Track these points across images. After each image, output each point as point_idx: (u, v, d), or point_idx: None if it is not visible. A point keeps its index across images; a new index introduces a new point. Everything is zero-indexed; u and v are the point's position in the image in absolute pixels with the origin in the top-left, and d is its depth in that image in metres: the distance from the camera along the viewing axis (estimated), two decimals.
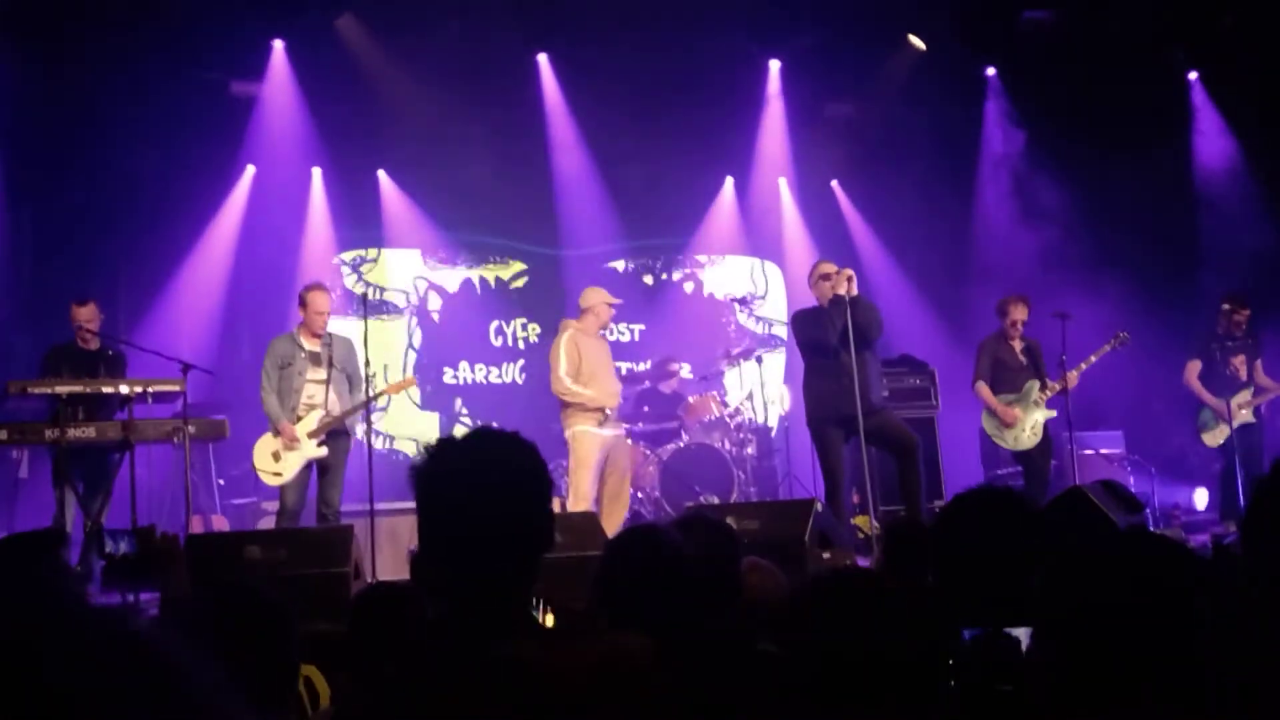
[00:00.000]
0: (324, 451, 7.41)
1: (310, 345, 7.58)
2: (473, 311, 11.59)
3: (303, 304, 7.66)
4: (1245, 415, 8.76)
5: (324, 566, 5.56)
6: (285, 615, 2.16)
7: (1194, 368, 8.95)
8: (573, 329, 8.10)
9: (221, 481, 9.57)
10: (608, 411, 7.97)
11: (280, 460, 7.39)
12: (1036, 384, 8.26)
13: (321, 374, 7.50)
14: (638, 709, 1.66)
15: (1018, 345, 8.43)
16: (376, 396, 7.69)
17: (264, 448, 7.50)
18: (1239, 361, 8.87)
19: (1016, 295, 8.54)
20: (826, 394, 7.21)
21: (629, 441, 8.47)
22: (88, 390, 7.18)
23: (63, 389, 7.05)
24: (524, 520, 1.79)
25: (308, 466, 7.44)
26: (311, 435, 7.40)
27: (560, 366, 7.93)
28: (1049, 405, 8.29)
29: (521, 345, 11.57)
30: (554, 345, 8.12)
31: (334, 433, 7.50)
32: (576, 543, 5.63)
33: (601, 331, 8.36)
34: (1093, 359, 8.29)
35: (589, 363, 7.98)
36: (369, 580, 6.24)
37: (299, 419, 7.43)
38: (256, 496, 9.34)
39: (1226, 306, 8.93)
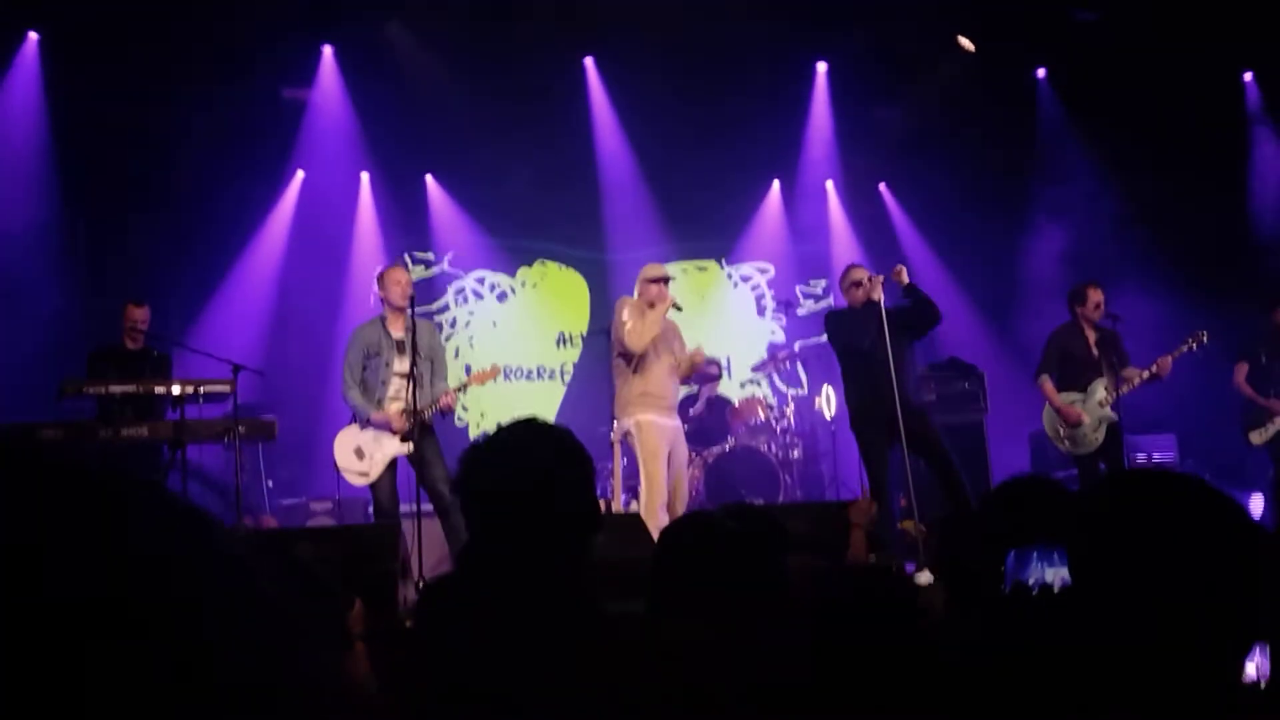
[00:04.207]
0: (409, 447, 6.94)
1: (397, 333, 7.10)
2: (519, 314, 11.63)
3: (381, 282, 7.25)
4: None
5: (372, 564, 5.59)
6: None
7: (1242, 369, 8.83)
8: (630, 302, 7.42)
9: (270, 482, 9.66)
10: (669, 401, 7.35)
11: (365, 459, 7.04)
12: (1103, 383, 7.97)
13: (408, 363, 6.99)
14: (690, 697, 1.65)
15: (1091, 336, 8.10)
16: (462, 388, 7.34)
17: (345, 444, 7.12)
18: None
19: (1091, 280, 8.31)
20: (866, 397, 7.16)
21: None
22: (139, 390, 7.26)
23: (116, 389, 7.14)
24: (566, 503, 1.79)
25: (394, 462, 7.07)
26: (394, 431, 7.04)
27: (626, 323, 7.17)
28: (1126, 401, 7.99)
29: (568, 348, 11.58)
30: (616, 310, 7.40)
31: (419, 425, 6.96)
32: (619, 543, 5.60)
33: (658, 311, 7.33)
34: (1172, 356, 8.00)
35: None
36: (415, 579, 6.28)
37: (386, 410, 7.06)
38: (305, 496, 9.43)
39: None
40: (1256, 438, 8.75)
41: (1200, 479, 1.61)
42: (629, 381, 7.28)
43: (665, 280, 7.36)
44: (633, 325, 7.15)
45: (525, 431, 1.89)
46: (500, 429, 1.93)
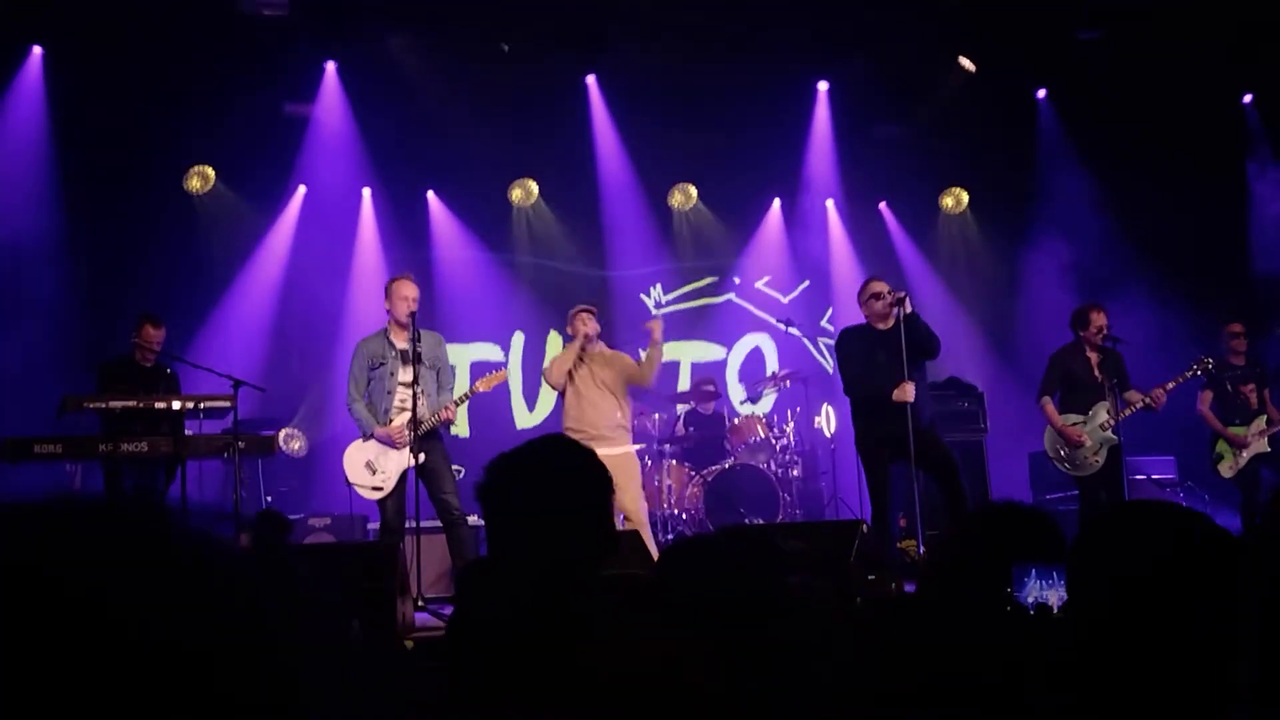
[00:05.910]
0: (420, 458, 6.82)
1: (401, 343, 7.04)
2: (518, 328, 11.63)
3: (388, 294, 7.13)
4: (1261, 445, 8.61)
5: (370, 581, 5.58)
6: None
7: (1206, 398, 8.82)
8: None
9: (270, 498, 9.64)
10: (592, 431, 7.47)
11: (377, 473, 6.96)
12: (1105, 406, 7.90)
13: (412, 373, 6.87)
14: (695, 714, 1.65)
15: (1094, 358, 8.02)
16: (468, 395, 7.26)
17: (355, 459, 7.05)
18: (1249, 390, 8.73)
19: (1094, 302, 8.29)
20: (876, 415, 7.15)
21: (635, 461, 7.94)
22: (141, 406, 7.24)
23: (116, 404, 7.13)
24: (585, 524, 1.81)
25: (404, 476, 6.96)
26: (396, 446, 6.98)
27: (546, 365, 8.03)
28: (1127, 423, 7.94)
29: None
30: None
31: (426, 435, 6.91)
32: (618, 561, 5.59)
33: (593, 346, 7.75)
34: (1174, 383, 8.00)
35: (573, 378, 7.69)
36: (414, 596, 6.27)
37: (389, 423, 6.98)
38: (304, 513, 9.41)
39: (1237, 330, 8.88)
40: (1227, 471, 8.74)
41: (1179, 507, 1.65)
42: (563, 412, 7.82)
43: (590, 311, 7.86)
44: (548, 364, 7.90)
45: (553, 449, 1.92)
46: (529, 444, 1.95)
